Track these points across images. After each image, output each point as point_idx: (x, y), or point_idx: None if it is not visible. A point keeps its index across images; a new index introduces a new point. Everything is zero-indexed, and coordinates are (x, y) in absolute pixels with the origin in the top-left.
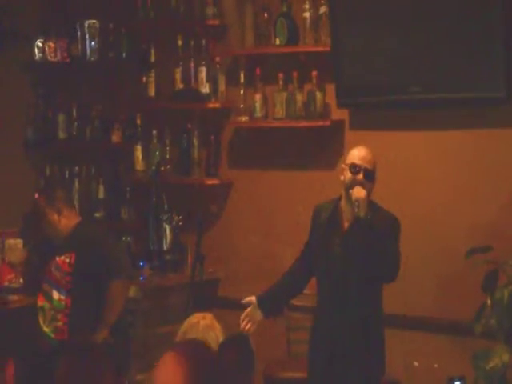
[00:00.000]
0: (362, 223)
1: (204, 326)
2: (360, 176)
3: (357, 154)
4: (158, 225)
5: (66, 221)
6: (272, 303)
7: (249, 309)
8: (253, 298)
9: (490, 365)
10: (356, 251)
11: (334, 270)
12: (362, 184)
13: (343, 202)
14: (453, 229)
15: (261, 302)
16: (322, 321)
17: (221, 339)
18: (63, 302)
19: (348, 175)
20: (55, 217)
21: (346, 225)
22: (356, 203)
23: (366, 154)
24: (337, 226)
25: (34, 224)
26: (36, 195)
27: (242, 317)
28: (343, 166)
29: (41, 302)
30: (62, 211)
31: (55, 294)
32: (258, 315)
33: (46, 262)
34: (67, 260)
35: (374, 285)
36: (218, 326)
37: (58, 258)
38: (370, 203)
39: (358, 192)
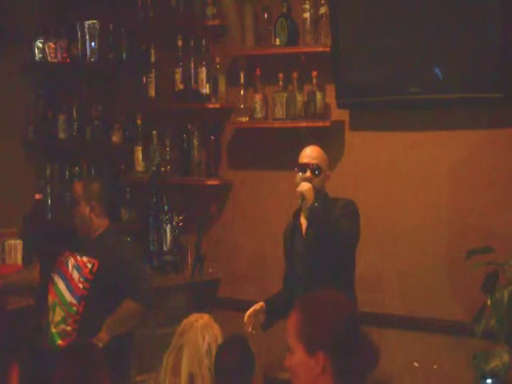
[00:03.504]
0: (311, 214)
1: (203, 324)
2: (307, 173)
3: (302, 155)
4: (158, 225)
5: (96, 219)
6: (274, 318)
7: (253, 310)
8: (262, 304)
9: (490, 365)
10: (316, 248)
11: (298, 267)
12: (309, 180)
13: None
14: (453, 229)
15: (268, 312)
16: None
17: (219, 338)
18: (75, 308)
19: (297, 176)
20: (87, 211)
21: (305, 226)
22: (301, 196)
23: (311, 152)
24: (299, 231)
25: (34, 224)
26: (36, 195)
27: (247, 318)
28: (295, 171)
29: (52, 298)
30: (94, 207)
31: (68, 296)
32: (261, 319)
33: (53, 258)
34: (89, 265)
35: (340, 284)
36: (216, 326)
37: (78, 257)
38: (325, 197)
39: (302, 186)
